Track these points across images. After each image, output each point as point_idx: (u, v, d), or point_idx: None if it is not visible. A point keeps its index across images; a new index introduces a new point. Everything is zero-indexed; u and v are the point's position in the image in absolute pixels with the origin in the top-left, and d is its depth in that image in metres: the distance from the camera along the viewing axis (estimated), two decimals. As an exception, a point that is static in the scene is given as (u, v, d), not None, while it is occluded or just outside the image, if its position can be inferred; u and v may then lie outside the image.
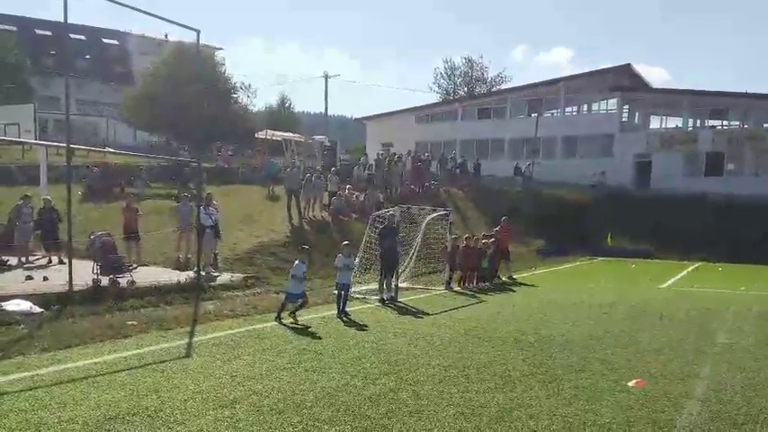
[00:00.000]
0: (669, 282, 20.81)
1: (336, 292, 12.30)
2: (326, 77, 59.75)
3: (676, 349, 9.58)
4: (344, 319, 11.60)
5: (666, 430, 5.87)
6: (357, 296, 12.90)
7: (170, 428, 5.63)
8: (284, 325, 10.73)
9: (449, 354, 8.90)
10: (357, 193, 26.39)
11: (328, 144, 39.65)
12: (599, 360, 8.71)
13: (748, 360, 8.92)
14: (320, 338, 9.83)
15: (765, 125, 42.01)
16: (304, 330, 10.46)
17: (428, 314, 12.64)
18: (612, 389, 7.23)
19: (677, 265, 27.39)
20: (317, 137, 42.61)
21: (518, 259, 23.32)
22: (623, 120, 45.74)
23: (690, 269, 25.89)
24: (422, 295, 15.78)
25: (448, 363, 8.35)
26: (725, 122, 45.27)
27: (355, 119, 63.38)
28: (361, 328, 10.87)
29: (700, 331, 11.14)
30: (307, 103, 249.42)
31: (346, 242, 13.08)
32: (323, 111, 62.64)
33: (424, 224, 17.67)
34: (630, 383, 7.40)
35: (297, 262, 11.54)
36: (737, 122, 43.93)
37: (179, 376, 7.34)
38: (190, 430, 5.62)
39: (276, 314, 11.20)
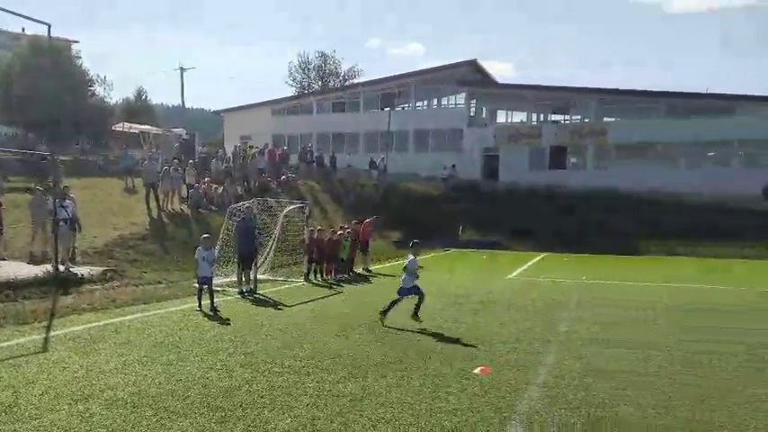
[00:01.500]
0: (517, 272, 21.81)
1: (198, 285, 12.09)
2: (182, 70, 59.23)
3: (521, 338, 9.94)
4: (211, 313, 11.43)
5: (507, 414, 6.14)
6: (216, 288, 12.78)
7: (24, 423, 5.51)
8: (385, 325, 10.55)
9: (305, 345, 9.03)
10: (216, 186, 25.96)
11: (186, 137, 38.64)
12: (448, 349, 9.07)
13: (587, 347, 9.35)
14: (178, 331, 9.73)
15: (605, 119, 44.62)
16: (162, 323, 10.29)
17: (286, 306, 12.74)
18: (459, 376, 7.49)
19: (525, 255, 28.56)
20: (174, 129, 41.41)
21: (375, 251, 23.86)
22: (471, 114, 47.90)
23: (537, 259, 27.14)
24: (281, 287, 15.82)
25: (304, 353, 8.48)
26: (566, 117, 48.15)
27: (213, 111, 61.75)
28: (220, 320, 10.80)
29: (544, 320, 11.63)
30: (165, 95, 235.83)
31: (206, 235, 12.91)
32: (182, 103, 61.82)
33: (281, 216, 17.64)
34: (476, 371, 7.69)
35: (410, 257, 11.01)
36: (578, 117, 46.59)
37: (34, 371, 7.19)
38: (43, 425, 5.50)
39: (383, 311, 10.83)
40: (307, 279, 17.27)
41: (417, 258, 11.01)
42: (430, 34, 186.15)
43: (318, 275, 17.88)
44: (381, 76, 50.42)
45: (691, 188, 35.86)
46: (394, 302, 10.90)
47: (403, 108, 49.94)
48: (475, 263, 25.95)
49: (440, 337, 9.94)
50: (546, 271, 22.37)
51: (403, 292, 10.90)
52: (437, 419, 5.95)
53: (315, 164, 38.08)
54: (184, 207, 23.86)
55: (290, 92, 61.62)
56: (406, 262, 10.97)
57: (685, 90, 43.00)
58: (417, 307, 10.80)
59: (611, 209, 34.56)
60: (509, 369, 7.95)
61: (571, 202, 36.07)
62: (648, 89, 43.39)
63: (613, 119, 45.06)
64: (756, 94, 40.55)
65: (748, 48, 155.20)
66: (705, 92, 43.36)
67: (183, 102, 60.87)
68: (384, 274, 19.86)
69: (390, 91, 48.25)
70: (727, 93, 42.80)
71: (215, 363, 7.83)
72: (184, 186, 24.93)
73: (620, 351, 9.11)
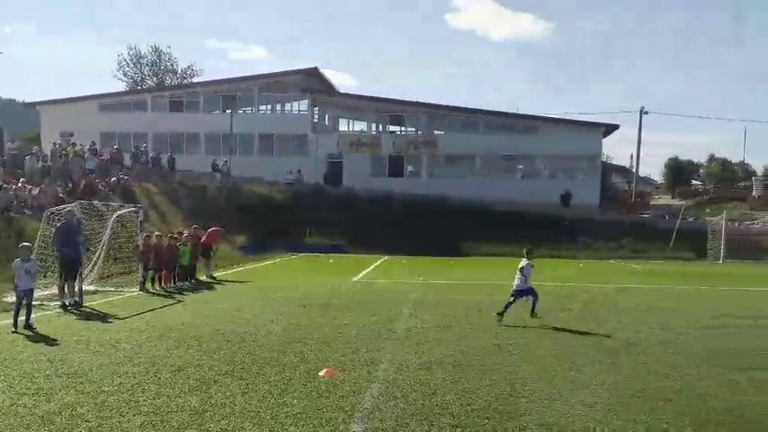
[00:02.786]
0: (361, 275, 22.28)
1: (16, 300, 10.60)
2: None
3: (363, 337, 10.11)
4: (26, 331, 10.01)
5: (351, 413, 6.19)
6: (34, 303, 11.20)
7: None
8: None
9: (140, 360, 8.28)
10: (30, 188, 23.02)
11: None
12: (294, 353, 8.87)
13: (423, 343, 9.78)
14: None
15: (436, 132, 48.24)
16: None
17: (118, 318, 11.67)
18: (305, 380, 7.40)
19: (368, 258, 29.33)
20: None
21: (220, 257, 22.98)
22: (315, 121, 48.23)
23: (378, 262, 27.98)
24: (113, 298, 14.54)
25: (137, 369, 7.76)
26: (402, 128, 50.51)
27: (26, 103, 54.71)
28: (38, 338, 9.56)
29: (384, 319, 12.04)
30: None
31: (24, 243, 11.38)
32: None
33: (111, 220, 16.22)
34: (321, 373, 7.66)
35: (525, 261, 11.78)
36: (413, 129, 49.23)
37: None
38: None
39: (500, 313, 11.53)
40: (143, 288, 16.02)
41: (531, 262, 11.94)
42: (272, 39, 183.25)
43: (156, 284, 16.73)
44: (222, 77, 49.24)
45: (505, 196, 40.11)
46: (509, 304, 11.72)
47: (245, 111, 48.86)
48: (320, 266, 26.11)
49: (286, 341, 9.75)
50: (386, 273, 23.41)
51: (518, 294, 11.76)
52: (282, 425, 5.85)
53: (151, 164, 35.69)
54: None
55: (119, 86, 57.71)
56: (522, 265, 11.80)
57: (500, 109, 48.50)
58: (534, 306, 11.88)
59: (443, 214, 36.72)
60: (352, 367, 8.06)
61: (408, 207, 37.90)
62: (469, 107, 47.99)
63: (442, 132, 48.60)
64: (555, 116, 48.29)
65: (548, 75, 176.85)
66: (516, 111, 49.20)
67: (-14, 90, 53.11)
68: (230, 281, 19.15)
69: (232, 93, 46.89)
70: (533, 114, 48.67)
71: (29, 387, 6.88)
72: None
73: (450, 343, 9.82)
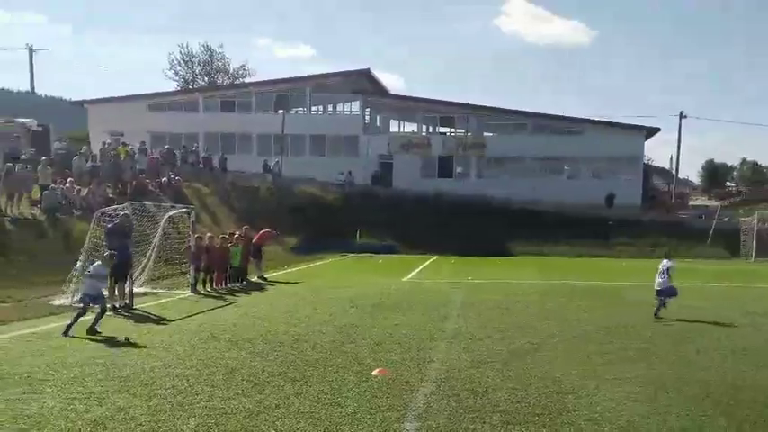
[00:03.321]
0: (411, 275, 22.14)
1: (81, 305, 10.27)
2: (31, 51, 52.44)
3: (414, 337, 10.04)
4: (80, 336, 9.59)
5: (403, 412, 6.16)
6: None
7: None
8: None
9: (192, 362, 8.06)
10: (79, 188, 22.76)
11: (38, 128, 32.79)
12: (346, 354, 8.71)
13: (473, 342, 9.75)
14: (38, 357, 8.20)
15: (485, 133, 48.17)
16: (6, 350, 8.65)
17: (169, 320, 11.51)
18: (357, 380, 7.30)
19: (418, 258, 29.40)
20: (20, 119, 34.36)
21: (271, 258, 23.00)
22: (366, 122, 48.14)
23: (427, 263, 27.96)
24: (163, 300, 14.43)
25: (190, 372, 7.53)
26: (452, 130, 50.21)
27: (72, 102, 54.27)
28: (88, 342, 9.35)
29: (434, 319, 11.93)
30: (9, 79, 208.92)
31: (111, 252, 11.05)
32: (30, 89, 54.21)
33: (162, 221, 16.11)
34: (374, 373, 7.58)
35: (666, 261, 12.74)
36: (462, 130, 49.12)
37: None
38: None
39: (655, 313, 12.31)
40: (194, 290, 15.88)
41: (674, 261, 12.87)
42: (319, 37, 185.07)
43: (207, 285, 16.64)
44: (273, 77, 49.53)
45: (551, 197, 40.40)
46: (660, 305, 12.43)
47: (296, 112, 48.77)
48: (370, 267, 26.06)
49: (338, 342, 9.62)
50: (436, 273, 23.45)
51: (663, 293, 12.48)
52: (336, 425, 5.77)
53: (202, 165, 35.74)
54: (37, 211, 20.68)
55: (170, 86, 58.04)
56: (668, 265, 12.62)
57: (546, 112, 48.39)
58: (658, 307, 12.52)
59: (490, 214, 37.07)
60: (404, 367, 8.03)
61: (457, 207, 38.09)
62: (518, 109, 48.08)
63: (491, 134, 48.59)
64: (598, 119, 48.43)
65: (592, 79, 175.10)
66: (562, 114, 49.04)
67: (33, 86, 53.68)
68: (280, 282, 19.04)
69: (284, 93, 46.70)
70: (578, 116, 48.96)
71: (80, 391, 6.64)
72: (36, 187, 21.68)
73: (498, 341, 9.92)
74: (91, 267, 10.60)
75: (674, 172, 56.51)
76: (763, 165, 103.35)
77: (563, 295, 16.21)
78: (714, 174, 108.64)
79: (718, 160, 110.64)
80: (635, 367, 8.27)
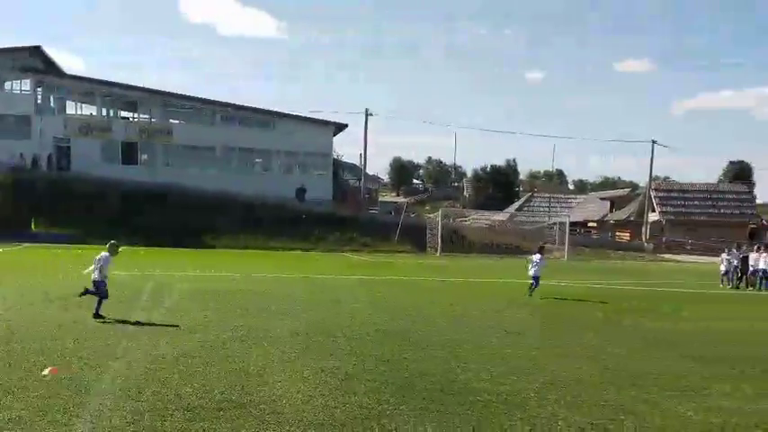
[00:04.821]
0: (91, 267, 19.89)
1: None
2: None
3: (94, 333, 9.31)
4: None
5: (75, 413, 5.59)
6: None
7: None
8: None
9: None
10: None
11: None
12: (11, 352, 7.85)
13: (156, 337, 9.09)
14: None
15: (171, 120, 47.22)
16: None
17: None
18: (25, 381, 6.54)
19: (101, 249, 26.86)
20: None
21: None
22: (39, 102, 44.22)
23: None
24: None
25: None
26: (135, 115, 48.34)
27: None
28: None
29: (115, 314, 10.78)
30: None
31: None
32: None
33: None
34: (44, 372, 6.86)
35: (538, 255, 15.84)
36: (146, 116, 47.39)
37: None
38: None
39: None
40: None
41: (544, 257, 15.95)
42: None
43: None
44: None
45: (243, 189, 41.16)
46: (533, 287, 15.30)
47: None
48: (50, 258, 24.16)
49: (13, 339, 8.64)
50: (123, 264, 20.55)
51: (535, 279, 15.32)
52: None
53: None
54: None
55: None
56: (538, 258, 15.52)
57: (237, 102, 48.28)
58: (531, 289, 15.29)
59: (181, 204, 36.88)
60: (81, 365, 7.29)
61: (145, 197, 37.14)
62: (206, 98, 47.37)
63: (177, 121, 47.80)
64: (288, 112, 49.37)
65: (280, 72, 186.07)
66: (251, 105, 49.13)
67: None
68: None
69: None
70: (269, 109, 49.28)
71: None
72: None
73: (181, 337, 9.22)
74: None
75: (363, 168, 57.11)
76: (447, 163, 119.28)
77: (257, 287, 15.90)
78: (402, 171, 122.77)
79: (405, 158, 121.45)
80: (324, 359, 7.89)
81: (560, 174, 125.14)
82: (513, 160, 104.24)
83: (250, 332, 9.64)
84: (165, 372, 7.10)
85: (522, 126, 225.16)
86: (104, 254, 11.17)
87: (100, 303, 10.65)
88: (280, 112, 48.80)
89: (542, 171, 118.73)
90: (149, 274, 18.87)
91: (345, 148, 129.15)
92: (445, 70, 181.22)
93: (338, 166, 56.06)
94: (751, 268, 21.15)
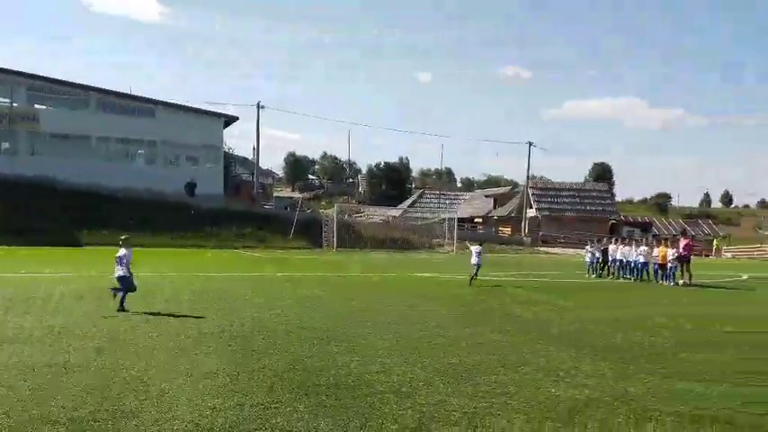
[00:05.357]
0: None
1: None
2: None
3: None
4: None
5: None
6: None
7: None
8: None
9: None
10: None
11: None
12: None
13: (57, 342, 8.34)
14: None
15: (37, 106, 42.85)
16: None
17: None
18: None
19: None
20: None
21: None
22: None
23: None
24: None
25: None
26: None
27: None
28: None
29: None
30: None
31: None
32: None
33: None
34: None
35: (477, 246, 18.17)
36: (7, 100, 41.98)
37: None
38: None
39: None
40: None
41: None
42: None
43: None
44: None
45: (125, 182, 38.83)
46: (474, 275, 17.47)
47: None
48: None
49: None
50: None
51: (477, 267, 17.86)
52: None
53: None
54: None
55: None
56: (478, 249, 18.20)
57: (112, 88, 45.14)
58: (473, 277, 17.77)
59: (50, 198, 34.52)
60: None
61: (4, 188, 34.37)
62: (79, 82, 44.13)
63: (45, 107, 43.56)
64: (172, 101, 46.54)
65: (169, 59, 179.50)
66: (132, 93, 46.65)
67: None
68: None
69: None
70: (150, 96, 46.53)
71: None
72: None
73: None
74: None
75: (256, 162, 55.15)
76: (343, 159, 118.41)
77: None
78: (296, 166, 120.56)
79: (300, 153, 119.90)
80: (213, 360, 7.58)
81: (449, 172, 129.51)
82: (406, 158, 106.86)
83: (126, 337, 8.87)
84: (45, 380, 6.49)
85: (414, 125, 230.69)
86: (123, 250, 11.49)
87: (124, 296, 11.16)
88: (163, 101, 46.02)
89: (433, 169, 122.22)
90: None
91: (238, 142, 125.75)
92: (342, 68, 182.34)
93: (230, 159, 54.35)
94: (611, 258, 23.29)
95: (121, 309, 11.01)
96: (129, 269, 11.38)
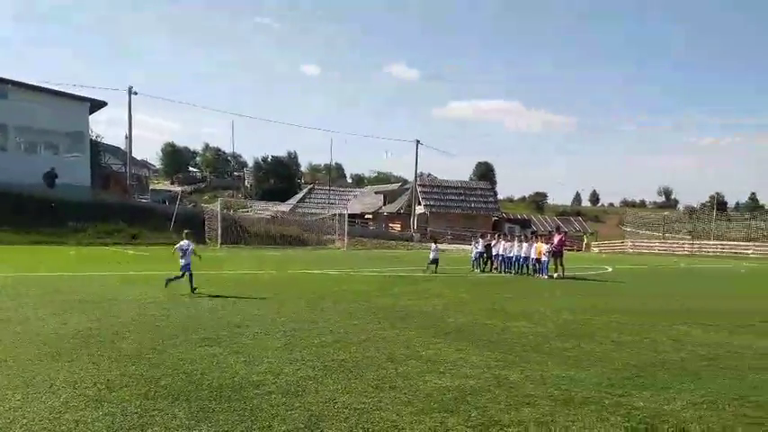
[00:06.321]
0: None
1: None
2: None
3: None
4: None
5: None
6: None
7: None
8: None
9: None
10: None
11: None
12: None
13: None
14: None
15: None
16: None
17: None
18: None
19: None
20: None
21: None
22: None
23: None
24: None
25: None
26: None
27: None
28: None
29: None
30: None
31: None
32: None
33: None
34: None
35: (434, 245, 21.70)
36: None
37: None
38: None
39: None
40: None
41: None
42: None
43: None
44: None
45: None
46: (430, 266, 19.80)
47: None
48: None
49: None
50: None
51: (434, 261, 21.56)
52: None
53: None
54: None
55: None
56: (434, 247, 21.77)
57: None
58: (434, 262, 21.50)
59: None
60: None
61: None
62: None
63: None
64: (27, 82, 41.38)
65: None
66: None
67: None
68: None
69: None
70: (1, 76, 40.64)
71: None
72: None
73: None
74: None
75: (128, 151, 52.11)
76: (227, 152, 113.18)
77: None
78: (176, 157, 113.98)
79: (180, 143, 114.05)
80: (79, 367, 6.97)
81: (339, 167, 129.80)
82: (294, 152, 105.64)
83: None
84: None
85: (301, 118, 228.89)
86: (186, 242, 13.80)
87: (191, 280, 13.62)
88: (15, 81, 40.30)
89: (323, 164, 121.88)
90: None
91: (107, 129, 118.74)
92: (223, 53, 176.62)
93: (98, 148, 50.05)
94: (494, 253, 24.52)
95: (193, 290, 13.62)
96: (189, 259, 13.76)
